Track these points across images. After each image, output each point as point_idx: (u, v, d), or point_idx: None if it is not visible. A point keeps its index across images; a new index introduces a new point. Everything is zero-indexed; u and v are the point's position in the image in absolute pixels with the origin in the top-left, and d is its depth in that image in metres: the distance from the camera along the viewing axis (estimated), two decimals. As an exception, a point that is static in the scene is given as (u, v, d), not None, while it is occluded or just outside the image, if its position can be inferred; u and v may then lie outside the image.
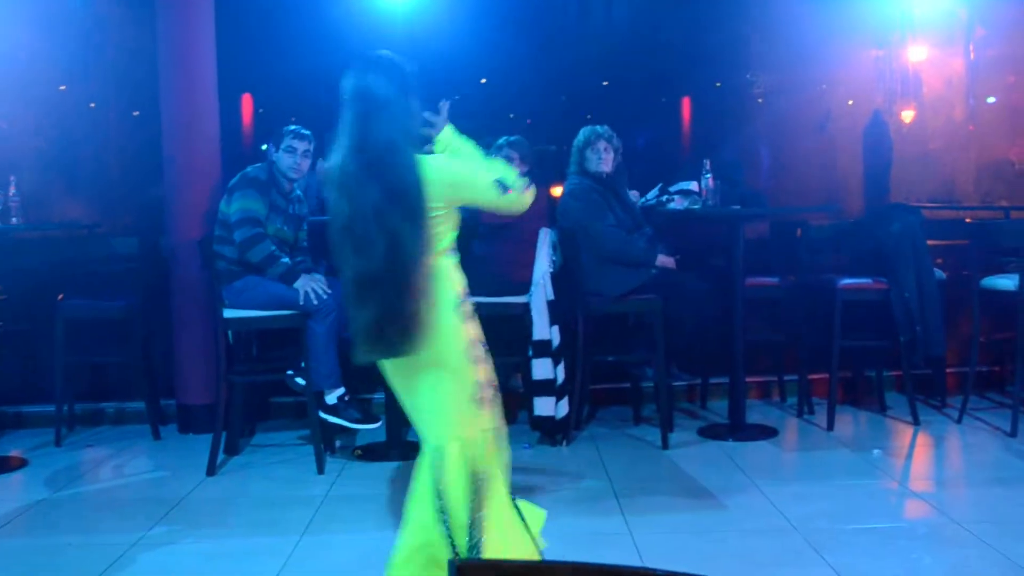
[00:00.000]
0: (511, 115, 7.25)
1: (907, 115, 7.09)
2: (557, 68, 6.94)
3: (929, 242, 5.85)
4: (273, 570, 3.77)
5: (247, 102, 6.94)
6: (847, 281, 5.74)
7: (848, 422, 5.89)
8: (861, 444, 5.46)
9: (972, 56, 7.09)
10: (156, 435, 5.77)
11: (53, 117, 6.50)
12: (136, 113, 6.57)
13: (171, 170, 5.82)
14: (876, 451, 5.28)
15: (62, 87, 6.55)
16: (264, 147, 6.13)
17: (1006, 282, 5.60)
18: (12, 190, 5.52)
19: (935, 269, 5.89)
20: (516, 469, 3.34)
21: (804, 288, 6.00)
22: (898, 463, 5.25)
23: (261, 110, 6.95)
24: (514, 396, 5.52)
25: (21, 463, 5.32)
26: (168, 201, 5.84)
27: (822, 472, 4.95)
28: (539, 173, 5.28)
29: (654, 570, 1.18)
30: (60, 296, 5.69)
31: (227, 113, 6.10)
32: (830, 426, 5.67)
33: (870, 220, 6.31)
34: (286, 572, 3.77)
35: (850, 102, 7.08)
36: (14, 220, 5.56)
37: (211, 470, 5.03)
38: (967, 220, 6.31)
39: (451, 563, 1.18)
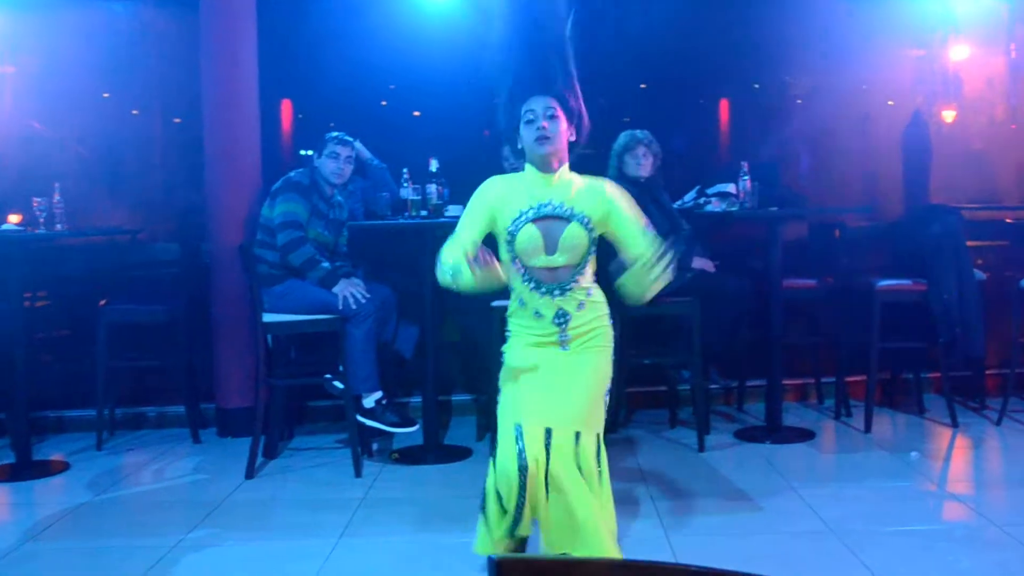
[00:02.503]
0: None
1: (948, 115, 7.03)
2: (594, 71, 6.91)
3: (969, 243, 5.80)
4: (311, 572, 3.80)
5: (287, 108, 7.00)
6: (886, 282, 5.70)
7: (886, 424, 5.85)
8: (899, 446, 5.43)
9: (1014, 55, 7.01)
10: (196, 439, 5.84)
11: (96, 125, 6.58)
12: (177, 120, 6.65)
13: (212, 176, 5.89)
14: (914, 453, 5.24)
15: (105, 95, 6.64)
16: (304, 152, 6.19)
17: (1047, 282, 5.55)
18: (56, 197, 5.60)
19: (975, 270, 5.84)
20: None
21: (842, 290, 5.97)
22: (936, 465, 5.21)
23: (301, 116, 7.00)
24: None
25: (63, 467, 5.40)
26: (209, 207, 5.91)
27: (859, 474, 4.92)
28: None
29: (687, 566, 1.20)
30: (103, 301, 5.77)
31: (267, 119, 6.17)
32: (867, 428, 5.64)
33: (909, 221, 6.27)
34: (324, 574, 3.80)
35: (890, 103, 7.02)
36: (58, 227, 5.64)
37: (250, 473, 5.09)
38: (1008, 220, 6.25)
39: (490, 559, 1.20)
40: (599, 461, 3.19)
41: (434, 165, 5.61)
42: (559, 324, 3.25)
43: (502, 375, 3.34)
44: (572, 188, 3.28)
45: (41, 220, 5.51)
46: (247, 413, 5.56)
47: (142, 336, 5.95)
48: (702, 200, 5.95)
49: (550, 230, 3.21)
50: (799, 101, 7.15)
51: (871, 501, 4.47)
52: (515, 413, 3.16)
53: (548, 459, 3.08)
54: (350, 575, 3.83)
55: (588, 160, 3.50)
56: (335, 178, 5.37)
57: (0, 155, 6.43)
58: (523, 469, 3.04)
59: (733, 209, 5.73)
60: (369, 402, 5.19)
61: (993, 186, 6.96)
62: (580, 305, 3.27)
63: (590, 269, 3.31)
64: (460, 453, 5.45)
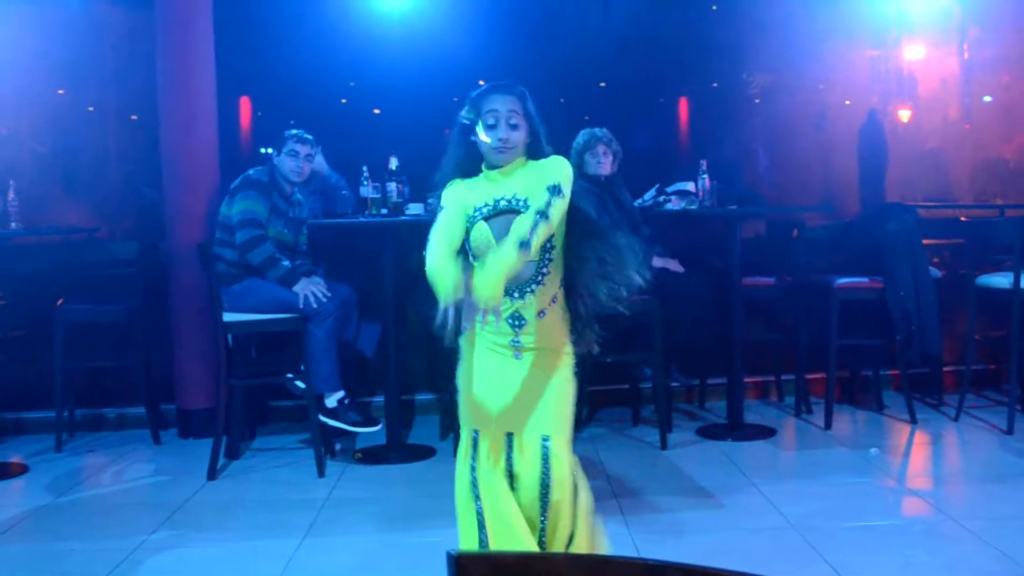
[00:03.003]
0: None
1: (903, 114, 7.12)
2: (554, 69, 6.94)
3: (925, 241, 5.89)
4: (275, 573, 3.79)
5: (245, 105, 6.95)
6: (843, 280, 5.76)
7: (846, 421, 5.92)
8: (859, 443, 5.49)
9: (967, 55, 7.11)
10: (157, 440, 5.79)
11: (51, 122, 6.50)
12: (134, 117, 6.58)
13: (170, 174, 5.84)
14: (873, 450, 5.30)
15: (60, 91, 6.56)
16: (264, 151, 6.15)
17: (1001, 280, 5.63)
18: (11, 195, 5.54)
19: (931, 268, 5.92)
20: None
21: (801, 288, 6.03)
22: (895, 461, 5.28)
23: (260, 113, 6.96)
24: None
25: (22, 469, 5.33)
26: (167, 205, 5.87)
27: (820, 471, 4.97)
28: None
29: (645, 560, 1.21)
30: (60, 301, 5.71)
31: (225, 116, 6.13)
32: (828, 425, 5.70)
33: (866, 219, 6.35)
34: (288, 574, 3.79)
35: (847, 102, 7.09)
36: (13, 225, 5.57)
37: (212, 474, 5.06)
38: (962, 219, 6.33)
39: (449, 555, 1.20)
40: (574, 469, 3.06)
41: (394, 163, 5.60)
42: (513, 327, 3.02)
43: (459, 374, 3.16)
44: (529, 177, 3.04)
45: (-5, 219, 5.45)
46: (208, 414, 5.52)
47: (100, 336, 5.89)
48: (661, 198, 5.98)
49: (503, 226, 2.97)
50: (757, 100, 7.20)
51: (832, 497, 4.52)
52: (471, 420, 3.05)
53: (510, 467, 2.99)
54: (314, 575, 3.82)
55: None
56: (294, 176, 5.33)
57: (-47, 153, 6.33)
58: (474, 483, 2.98)
59: (692, 207, 5.77)
60: (331, 402, 5.17)
61: (947, 185, 7.06)
62: (541, 314, 3.03)
63: (556, 274, 3.05)
64: (424, 452, 5.45)
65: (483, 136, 3.05)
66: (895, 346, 5.77)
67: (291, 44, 6.53)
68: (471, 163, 3.13)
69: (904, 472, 5.14)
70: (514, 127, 3.05)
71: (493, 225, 3.02)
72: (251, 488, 4.97)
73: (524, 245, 2.81)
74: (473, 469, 3.00)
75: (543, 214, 2.86)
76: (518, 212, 2.98)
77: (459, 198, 3.06)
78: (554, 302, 3.06)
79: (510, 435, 3.00)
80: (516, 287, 3.00)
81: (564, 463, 3.00)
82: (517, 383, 3.02)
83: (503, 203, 3.04)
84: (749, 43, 6.92)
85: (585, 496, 3.09)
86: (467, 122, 3.08)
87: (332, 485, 4.92)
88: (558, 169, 3.04)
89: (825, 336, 5.76)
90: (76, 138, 6.52)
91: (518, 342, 3.04)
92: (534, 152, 3.11)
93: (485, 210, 3.04)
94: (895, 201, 6.51)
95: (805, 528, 4.09)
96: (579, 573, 1.24)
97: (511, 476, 3.00)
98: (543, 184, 2.95)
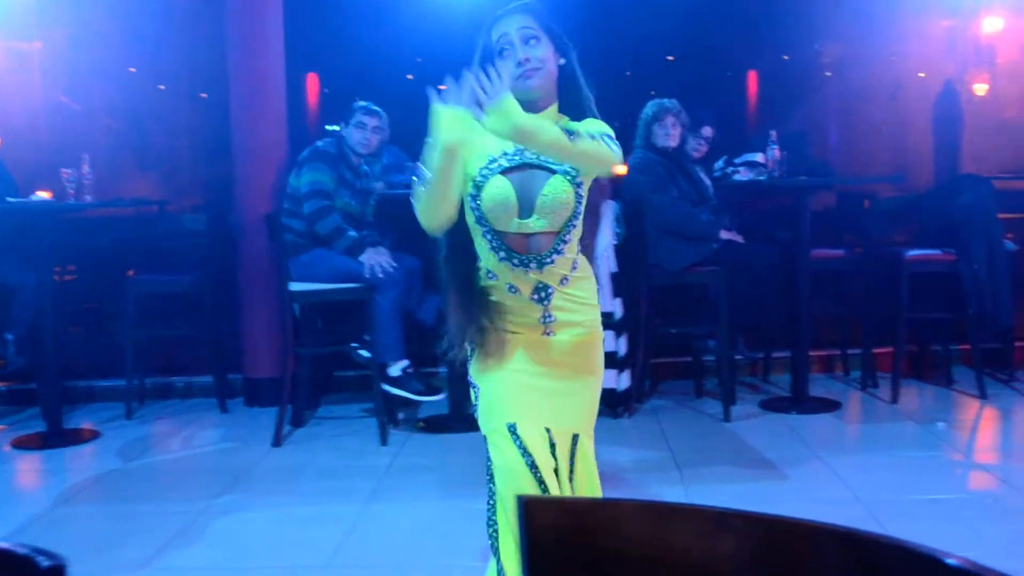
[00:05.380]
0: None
1: (980, 87, 6.96)
2: (621, 44, 6.90)
3: (1000, 215, 5.75)
4: (337, 536, 3.83)
5: (313, 82, 7.01)
6: (915, 253, 5.66)
7: (913, 395, 5.82)
8: (926, 417, 5.40)
9: (1047, 23, 6.93)
10: (223, 408, 5.88)
11: (124, 98, 6.62)
12: (204, 95, 6.67)
13: (239, 148, 5.91)
14: (941, 424, 5.22)
15: (132, 69, 6.67)
16: (329, 127, 6.19)
17: (1078, 253, 5.49)
18: (85, 169, 5.63)
19: (1005, 241, 5.79)
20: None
21: (871, 260, 5.93)
22: (963, 436, 5.19)
23: (327, 90, 7.01)
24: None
25: (93, 435, 5.44)
26: (236, 179, 5.93)
27: (885, 444, 4.91)
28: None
29: (713, 507, 1.20)
30: (131, 272, 5.81)
31: (293, 93, 6.17)
32: (894, 399, 5.60)
33: (940, 192, 6.23)
34: (350, 538, 3.83)
35: (921, 74, 6.96)
36: (87, 198, 5.67)
37: (277, 441, 5.12)
38: (1039, 191, 6.19)
39: (518, 498, 1.19)
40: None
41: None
42: (539, 301, 2.58)
43: (474, 367, 2.69)
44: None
45: (70, 192, 5.55)
46: (274, 383, 5.58)
47: (170, 307, 5.99)
48: (730, 170, 5.92)
49: (526, 184, 2.51)
50: (828, 73, 7.10)
51: (897, 470, 4.46)
52: (505, 412, 2.58)
53: (554, 458, 2.57)
54: (377, 539, 3.86)
55: (616, 133, 3.06)
56: (361, 148, 5.36)
57: (29, 128, 6.47)
58: (532, 466, 2.49)
59: (761, 179, 5.70)
60: (395, 371, 5.20)
61: (1024, 157, 6.89)
62: (563, 280, 2.59)
63: (575, 237, 2.60)
64: (486, 423, 5.46)
65: (500, 69, 2.39)
66: (967, 320, 5.66)
67: (358, 22, 6.58)
68: None
69: (971, 446, 5.05)
70: (533, 41, 2.54)
71: (513, 181, 2.52)
72: (315, 455, 5.03)
73: (572, 135, 2.38)
74: (525, 453, 2.51)
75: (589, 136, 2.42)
76: (542, 168, 2.51)
77: (471, 131, 2.40)
78: (575, 267, 2.62)
79: (547, 429, 2.58)
80: (533, 257, 2.54)
81: (592, 465, 2.69)
82: (551, 372, 2.63)
83: (529, 154, 2.52)
84: (820, 14, 6.82)
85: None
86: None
87: (395, 453, 4.96)
88: (595, 124, 2.56)
89: (894, 310, 5.66)
90: (148, 114, 6.64)
91: (549, 317, 2.60)
92: (569, 98, 2.62)
93: (504, 161, 2.53)
94: (970, 173, 6.37)
95: (870, 501, 4.04)
96: (646, 519, 1.22)
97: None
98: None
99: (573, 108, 2.61)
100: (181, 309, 5.97)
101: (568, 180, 2.51)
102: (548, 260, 2.55)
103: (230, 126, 5.93)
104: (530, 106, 2.48)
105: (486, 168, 2.53)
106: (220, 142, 6.09)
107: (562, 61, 2.58)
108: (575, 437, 2.63)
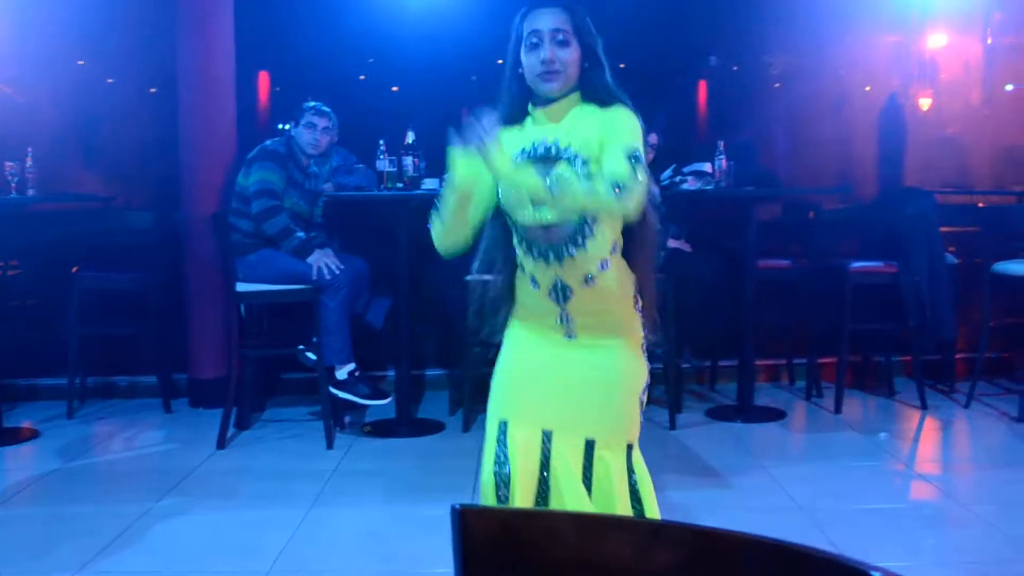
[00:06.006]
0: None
1: (924, 101, 7.06)
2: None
3: (942, 228, 5.84)
4: (281, 541, 3.80)
5: (264, 80, 6.96)
6: (858, 264, 5.73)
7: (856, 405, 5.89)
8: (868, 427, 5.47)
9: (990, 41, 7.05)
10: (168, 408, 5.82)
11: (71, 91, 6.53)
12: (153, 90, 6.60)
13: (187, 146, 5.85)
14: (883, 434, 5.29)
15: (80, 62, 6.58)
16: (282, 126, 6.15)
17: (1018, 267, 5.58)
18: (29, 162, 5.56)
19: (947, 254, 5.88)
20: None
21: (815, 271, 5.99)
22: (905, 446, 5.26)
23: (278, 88, 6.96)
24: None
25: (33, 434, 5.36)
26: (183, 176, 5.88)
27: (829, 453, 4.96)
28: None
29: (649, 519, 1.21)
30: (75, 269, 5.73)
31: (244, 91, 6.13)
32: (838, 409, 5.67)
33: (883, 203, 6.31)
34: (294, 543, 3.80)
35: (867, 87, 7.05)
36: (31, 192, 5.60)
37: (221, 443, 5.08)
38: (980, 205, 6.29)
39: (453, 508, 1.20)
40: (634, 479, 2.60)
41: (410, 137, 5.59)
42: (557, 300, 2.56)
43: (499, 359, 2.70)
44: (579, 121, 2.54)
45: (13, 185, 5.47)
46: (219, 384, 5.53)
47: (115, 304, 5.91)
48: (677, 179, 5.96)
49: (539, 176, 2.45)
50: (777, 84, 7.17)
51: (840, 480, 4.51)
52: (501, 409, 2.59)
53: (547, 468, 2.53)
54: (320, 544, 3.83)
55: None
56: (311, 148, 5.35)
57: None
58: (503, 481, 2.47)
59: (708, 188, 5.75)
60: (342, 374, 5.18)
61: (966, 171, 7.00)
62: (587, 280, 2.53)
63: (603, 233, 2.52)
64: (433, 427, 5.45)
65: (525, 61, 2.55)
66: (908, 332, 5.74)
67: (311, 20, 6.53)
68: (520, 104, 2.63)
69: (913, 456, 5.12)
70: (562, 44, 2.53)
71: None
72: (260, 458, 4.99)
73: (552, 187, 2.33)
74: (503, 463, 2.50)
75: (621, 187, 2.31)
76: (551, 159, 2.52)
77: (483, 174, 2.49)
78: (605, 267, 2.55)
79: (548, 432, 2.55)
80: (551, 248, 2.52)
81: (615, 483, 2.54)
82: (564, 369, 2.58)
83: (542, 149, 2.54)
84: (771, 27, 6.88)
85: None
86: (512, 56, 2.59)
87: (340, 457, 4.94)
88: (624, 124, 2.49)
89: (838, 320, 5.73)
90: (95, 108, 6.55)
91: (568, 318, 2.56)
92: (593, 88, 2.58)
93: (520, 158, 2.54)
94: (914, 186, 6.46)
95: (812, 509, 4.08)
96: (580, 531, 1.23)
97: (543, 479, 2.55)
98: (600, 135, 2.47)
99: (593, 95, 2.58)
100: (126, 307, 5.90)
101: (571, 167, 2.47)
102: (566, 252, 2.51)
103: (178, 122, 5.88)
104: (546, 99, 2.56)
105: None
106: (169, 139, 6.03)
107: (586, 65, 2.57)
108: (589, 445, 2.55)
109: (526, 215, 2.52)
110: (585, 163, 2.48)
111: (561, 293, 2.55)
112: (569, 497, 2.50)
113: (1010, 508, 4.08)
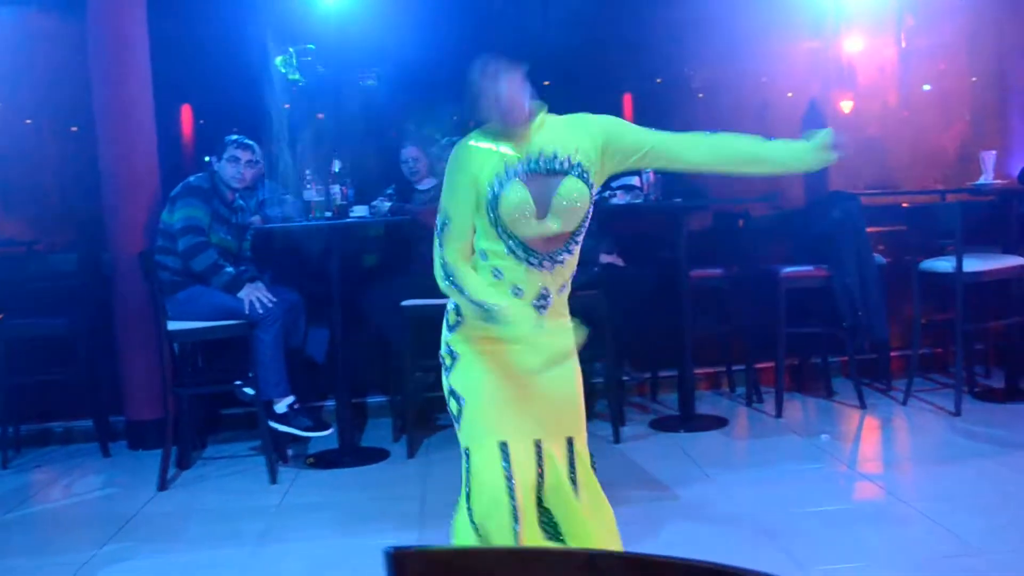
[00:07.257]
0: (454, 117, 7.24)
1: (845, 104, 7.17)
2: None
3: (868, 228, 5.93)
4: (227, 582, 3.75)
5: (187, 113, 6.87)
6: (790, 269, 5.80)
7: (797, 408, 5.96)
8: (809, 429, 5.53)
9: (904, 44, 7.18)
10: (106, 452, 5.71)
11: (-14, 135, 6.40)
12: (74, 129, 6.48)
13: (109, 185, 5.76)
14: (824, 436, 5.34)
15: (-5, 103, 6.45)
16: (207, 159, 6.09)
17: (944, 264, 5.69)
18: (-54, 210, 5.44)
19: (875, 254, 5.97)
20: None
21: (748, 278, 6.06)
22: (846, 446, 5.32)
23: (202, 121, 6.88)
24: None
25: (-33, 487, 5.24)
26: (107, 216, 5.78)
27: (772, 458, 5.00)
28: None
29: (586, 549, 1.21)
30: (0, 316, 5.60)
31: (166, 125, 6.05)
32: (779, 413, 5.73)
33: (811, 208, 6.39)
34: (241, 583, 3.75)
35: (789, 94, 7.14)
36: (-52, 240, 5.48)
37: (163, 485, 4.99)
38: (904, 205, 6.40)
39: (385, 552, 1.20)
40: (592, 464, 2.91)
41: (337, 166, 5.55)
42: (539, 307, 2.76)
43: (458, 378, 2.78)
44: (559, 132, 2.75)
45: (-69, 233, 5.34)
46: (157, 424, 5.44)
47: (44, 350, 5.78)
48: (607, 193, 5.98)
49: (541, 188, 2.67)
50: (701, 95, 7.23)
51: (784, 484, 4.55)
52: (496, 430, 2.70)
53: (542, 477, 2.72)
54: (268, 583, 3.78)
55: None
56: (235, 182, 5.29)
57: None
58: (512, 493, 2.62)
59: (638, 201, 5.78)
60: (281, 407, 5.13)
61: (889, 172, 7.11)
62: (562, 288, 2.80)
63: (581, 243, 2.80)
64: (376, 455, 5.41)
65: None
66: (842, 333, 5.82)
67: (231, 51, 6.46)
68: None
69: (855, 457, 5.18)
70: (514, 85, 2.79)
71: (530, 186, 2.68)
72: (203, 497, 4.91)
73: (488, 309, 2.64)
74: (510, 478, 2.64)
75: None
76: (556, 173, 2.69)
77: (468, 172, 2.72)
78: (574, 277, 2.85)
79: (538, 442, 2.74)
80: (547, 254, 2.73)
81: (587, 464, 2.85)
82: (541, 378, 2.77)
83: (538, 162, 2.72)
84: (692, 39, 6.94)
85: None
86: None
87: (284, 491, 4.88)
88: (609, 119, 2.82)
89: (773, 325, 5.79)
90: (12, 150, 6.41)
91: (542, 325, 2.76)
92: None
93: (519, 167, 2.70)
94: (838, 190, 6.56)
95: (759, 516, 4.11)
96: (514, 566, 1.23)
97: (539, 485, 2.74)
98: (579, 140, 2.72)
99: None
100: (56, 352, 5.77)
101: (582, 180, 2.70)
102: (559, 258, 2.73)
103: (98, 160, 5.78)
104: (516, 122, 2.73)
105: (503, 174, 2.69)
106: (90, 178, 5.93)
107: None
108: (570, 441, 2.80)
109: (529, 227, 2.68)
110: (589, 177, 2.70)
111: (543, 300, 2.75)
112: (563, 498, 2.76)
113: (951, 503, 4.15)
